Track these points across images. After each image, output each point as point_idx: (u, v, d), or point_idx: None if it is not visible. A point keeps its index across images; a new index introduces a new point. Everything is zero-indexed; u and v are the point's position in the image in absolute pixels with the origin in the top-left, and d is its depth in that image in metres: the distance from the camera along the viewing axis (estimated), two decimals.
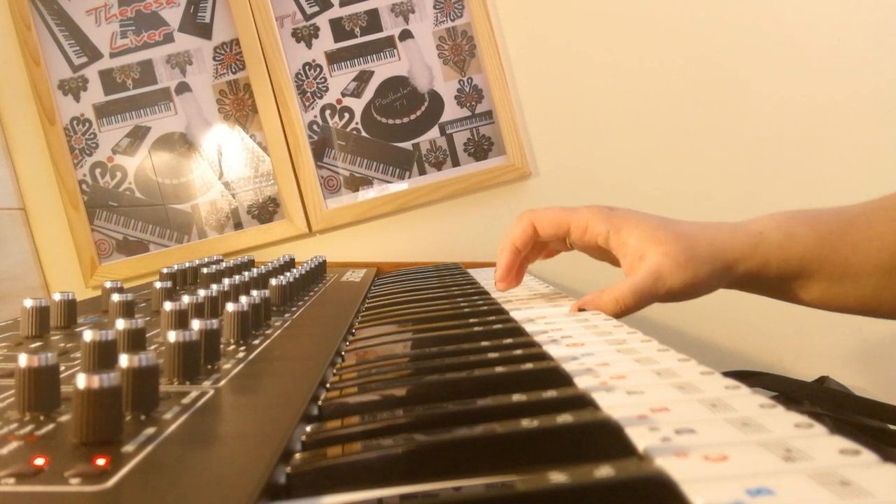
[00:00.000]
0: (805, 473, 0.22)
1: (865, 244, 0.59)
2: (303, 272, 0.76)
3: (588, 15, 1.23)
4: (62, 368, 0.39)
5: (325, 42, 1.23)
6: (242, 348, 0.47)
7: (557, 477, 0.23)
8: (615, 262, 0.64)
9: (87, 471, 0.25)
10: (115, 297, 0.56)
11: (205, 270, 0.79)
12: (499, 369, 0.38)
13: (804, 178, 1.19)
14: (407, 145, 1.23)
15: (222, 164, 1.23)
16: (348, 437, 0.31)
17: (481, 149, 1.23)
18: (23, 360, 0.32)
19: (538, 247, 0.69)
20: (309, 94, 1.23)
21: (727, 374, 0.35)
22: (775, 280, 0.61)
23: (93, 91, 1.22)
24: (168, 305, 0.49)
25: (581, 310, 0.59)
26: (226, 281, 0.64)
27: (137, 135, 1.23)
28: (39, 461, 0.26)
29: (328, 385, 0.41)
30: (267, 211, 1.23)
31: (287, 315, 0.61)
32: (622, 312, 0.58)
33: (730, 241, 0.60)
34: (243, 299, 0.51)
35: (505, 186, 1.22)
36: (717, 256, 0.59)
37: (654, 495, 0.23)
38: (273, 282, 0.67)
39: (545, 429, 0.28)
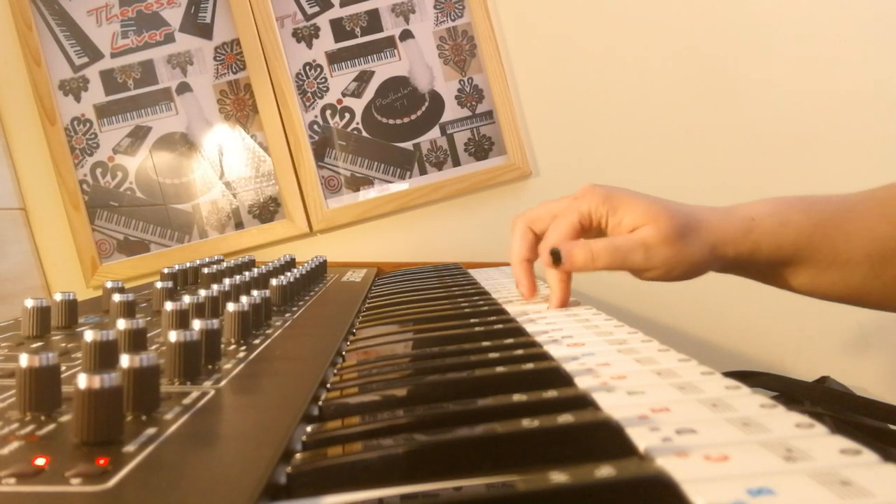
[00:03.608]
0: (806, 473, 0.22)
1: (858, 234, 0.59)
2: (303, 272, 0.76)
3: (588, 14, 1.23)
4: (63, 368, 0.39)
5: (326, 42, 1.23)
6: (243, 348, 0.47)
7: (558, 477, 0.23)
8: None
9: (88, 471, 0.25)
10: (116, 298, 0.56)
11: (206, 270, 0.79)
12: (499, 369, 0.38)
13: (805, 175, 1.19)
14: (408, 145, 1.23)
15: (223, 163, 1.23)
16: (349, 438, 0.31)
17: (482, 149, 1.23)
18: (24, 360, 0.32)
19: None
20: (309, 94, 1.23)
21: (727, 374, 0.35)
22: (765, 265, 0.61)
23: (93, 91, 1.22)
24: (169, 305, 0.49)
25: (553, 252, 0.58)
26: (226, 281, 0.64)
27: (138, 135, 1.23)
28: (40, 461, 0.26)
29: (329, 385, 0.41)
30: (268, 211, 1.23)
31: (287, 315, 0.61)
32: (592, 264, 0.57)
33: (721, 224, 0.59)
34: (244, 299, 0.51)
35: (505, 186, 1.22)
36: (707, 238, 0.59)
37: (655, 495, 0.23)
38: (273, 282, 0.67)
39: (546, 429, 0.28)
